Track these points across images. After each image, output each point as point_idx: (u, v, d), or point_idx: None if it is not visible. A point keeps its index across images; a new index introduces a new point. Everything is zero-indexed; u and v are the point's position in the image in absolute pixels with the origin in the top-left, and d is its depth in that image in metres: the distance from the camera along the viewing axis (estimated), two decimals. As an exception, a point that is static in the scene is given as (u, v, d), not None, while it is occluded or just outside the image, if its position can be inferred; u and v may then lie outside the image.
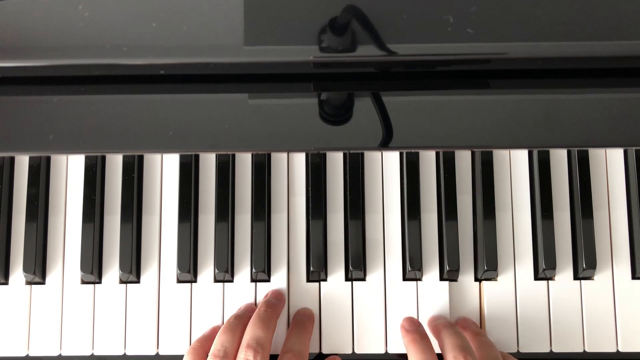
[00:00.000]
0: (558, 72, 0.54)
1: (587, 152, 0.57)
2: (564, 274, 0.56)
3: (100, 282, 0.57)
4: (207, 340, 0.53)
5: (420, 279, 0.56)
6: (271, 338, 0.51)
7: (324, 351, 0.56)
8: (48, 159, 0.58)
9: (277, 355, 0.51)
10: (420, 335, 0.52)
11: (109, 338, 0.56)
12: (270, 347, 0.51)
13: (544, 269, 0.55)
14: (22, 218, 0.57)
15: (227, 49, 0.52)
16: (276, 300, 0.55)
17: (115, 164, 0.58)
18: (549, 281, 0.56)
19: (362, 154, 0.57)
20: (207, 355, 0.50)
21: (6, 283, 0.57)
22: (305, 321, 0.55)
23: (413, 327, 0.54)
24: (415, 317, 0.56)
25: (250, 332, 0.51)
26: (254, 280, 0.57)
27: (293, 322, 0.55)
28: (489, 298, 0.56)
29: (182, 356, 0.55)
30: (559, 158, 0.58)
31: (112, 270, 0.57)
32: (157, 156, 0.58)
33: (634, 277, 0.56)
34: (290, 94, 0.54)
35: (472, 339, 0.52)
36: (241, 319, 0.53)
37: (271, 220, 0.57)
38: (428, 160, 0.58)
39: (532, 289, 0.56)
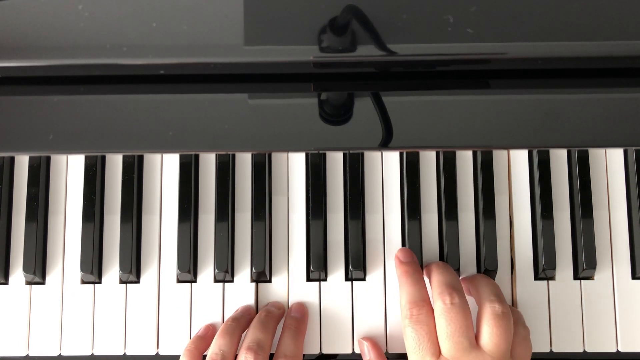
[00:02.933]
0: (558, 72, 0.54)
1: (587, 152, 0.57)
2: (564, 273, 0.56)
3: (100, 282, 0.57)
4: (201, 340, 0.53)
5: (420, 279, 0.56)
6: (271, 341, 0.52)
7: (324, 351, 0.56)
8: (48, 159, 0.58)
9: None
10: (413, 268, 0.53)
11: (109, 338, 0.56)
12: (270, 350, 0.51)
13: (543, 269, 0.55)
14: (22, 218, 0.57)
15: (227, 49, 0.52)
16: (276, 309, 0.55)
17: (115, 164, 0.58)
18: (549, 281, 0.56)
19: (362, 154, 0.57)
20: (203, 355, 0.50)
21: (6, 283, 0.57)
22: (299, 321, 0.54)
23: (407, 258, 0.54)
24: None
25: (251, 334, 0.51)
26: (254, 280, 0.57)
27: (285, 323, 0.54)
28: (489, 298, 0.56)
29: (182, 356, 0.55)
30: (559, 158, 0.58)
31: (112, 270, 0.57)
32: (157, 156, 0.58)
33: (634, 277, 0.56)
34: (290, 94, 0.54)
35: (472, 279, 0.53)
36: (239, 322, 0.53)
37: (271, 220, 0.57)
38: (428, 160, 0.58)
39: (532, 289, 0.56)
